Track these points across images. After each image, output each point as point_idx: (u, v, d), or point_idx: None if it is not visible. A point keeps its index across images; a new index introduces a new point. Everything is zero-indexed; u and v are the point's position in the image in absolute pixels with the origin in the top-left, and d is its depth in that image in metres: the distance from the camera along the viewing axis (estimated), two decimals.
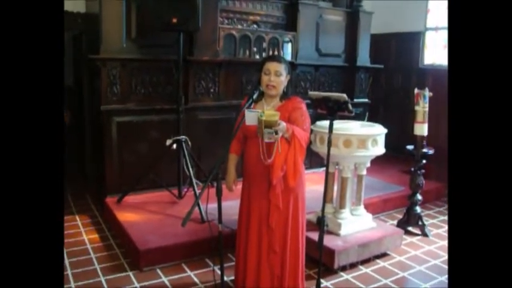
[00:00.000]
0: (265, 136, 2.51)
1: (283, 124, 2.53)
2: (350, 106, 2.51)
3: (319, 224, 2.60)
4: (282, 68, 2.75)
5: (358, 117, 5.55)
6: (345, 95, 2.56)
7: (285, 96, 2.84)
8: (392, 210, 4.93)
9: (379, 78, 7.07)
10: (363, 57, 6.14)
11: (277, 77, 2.73)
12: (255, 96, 2.70)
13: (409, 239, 4.18)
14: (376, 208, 4.73)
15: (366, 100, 6.33)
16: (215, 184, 2.47)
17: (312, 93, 2.83)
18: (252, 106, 2.71)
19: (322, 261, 3.40)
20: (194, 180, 4.22)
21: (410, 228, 4.37)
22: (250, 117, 2.49)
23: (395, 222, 4.51)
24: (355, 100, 6.06)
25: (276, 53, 5.35)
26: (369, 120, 5.51)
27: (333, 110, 2.55)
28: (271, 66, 2.74)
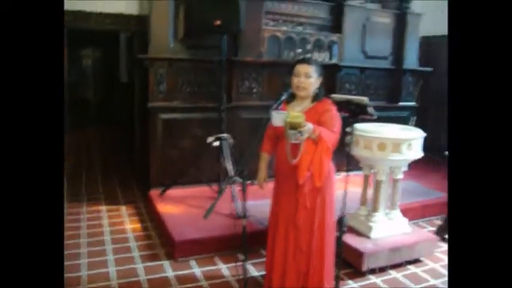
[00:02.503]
0: (290, 137, 2.59)
1: (309, 126, 2.58)
2: (371, 110, 2.54)
3: (339, 224, 2.65)
4: (312, 70, 2.80)
5: (403, 120, 5.49)
6: (366, 99, 2.58)
7: (317, 98, 2.89)
8: (433, 217, 4.82)
9: (429, 81, 6.91)
10: (411, 60, 6.03)
11: (307, 78, 2.79)
12: (283, 98, 2.79)
13: (446, 246, 4.09)
14: (415, 214, 4.65)
15: (413, 104, 6.21)
16: (252, 182, 2.57)
17: (334, 95, 2.88)
18: (281, 107, 2.79)
19: (350, 262, 3.46)
20: (233, 178, 4.33)
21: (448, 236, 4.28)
22: (276, 118, 2.57)
23: (434, 228, 4.42)
24: (401, 103, 5.98)
25: (320, 54, 5.38)
26: (418, 123, 5.40)
27: (355, 113, 2.59)
28: (301, 68, 2.80)
